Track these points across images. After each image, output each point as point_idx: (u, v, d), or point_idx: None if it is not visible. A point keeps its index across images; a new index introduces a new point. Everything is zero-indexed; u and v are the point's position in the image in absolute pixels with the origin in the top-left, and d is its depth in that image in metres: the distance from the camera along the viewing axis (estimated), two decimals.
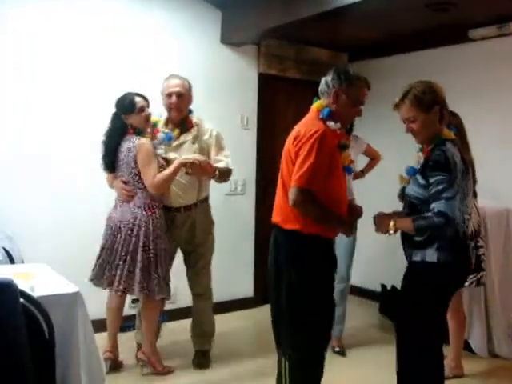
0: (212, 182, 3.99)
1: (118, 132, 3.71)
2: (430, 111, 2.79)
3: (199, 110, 4.11)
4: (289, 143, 2.87)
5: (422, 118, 2.80)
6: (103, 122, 4.46)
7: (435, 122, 2.81)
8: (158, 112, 3.97)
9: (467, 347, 4.28)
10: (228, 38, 5.21)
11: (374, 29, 5.07)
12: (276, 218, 2.92)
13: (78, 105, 4.49)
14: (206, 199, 4.07)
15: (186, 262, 4.09)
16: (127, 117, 3.70)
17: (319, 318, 2.82)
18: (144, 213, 3.67)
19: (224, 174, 3.91)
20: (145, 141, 3.67)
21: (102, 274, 3.73)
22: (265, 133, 5.65)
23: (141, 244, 3.63)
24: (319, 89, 2.90)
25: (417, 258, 2.84)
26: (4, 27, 4.17)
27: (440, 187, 2.66)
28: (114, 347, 3.90)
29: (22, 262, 3.58)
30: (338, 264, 4.52)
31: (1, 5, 4.13)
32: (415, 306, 2.85)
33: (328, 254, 2.92)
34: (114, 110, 3.86)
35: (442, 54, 5.20)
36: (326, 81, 2.86)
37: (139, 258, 3.63)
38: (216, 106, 4.88)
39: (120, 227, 3.68)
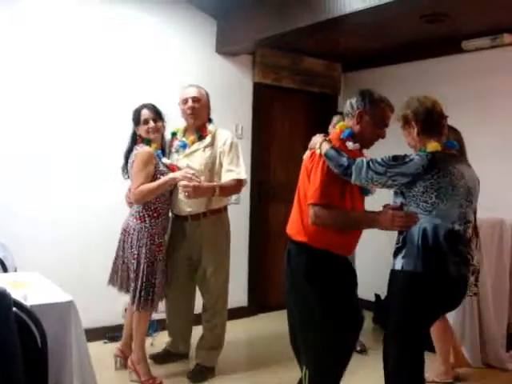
0: None
1: (130, 140, 3.86)
2: (409, 125, 2.84)
3: None
4: (306, 159, 2.95)
5: (406, 132, 2.89)
6: (101, 131, 4.54)
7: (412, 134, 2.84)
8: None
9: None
10: (223, 48, 5.22)
11: (368, 39, 5.10)
12: (289, 229, 3.00)
13: (78, 112, 4.51)
14: (220, 210, 3.96)
15: (197, 272, 4.02)
16: (136, 127, 3.83)
17: (330, 333, 2.82)
18: (135, 220, 3.75)
19: (228, 190, 3.85)
20: (143, 150, 3.74)
21: (115, 277, 3.88)
22: (260, 142, 5.66)
23: (130, 251, 3.74)
24: (344, 110, 2.99)
25: (392, 266, 2.85)
26: (13, 33, 4.21)
27: (379, 158, 2.73)
28: (123, 345, 4.06)
29: (15, 270, 3.57)
30: None
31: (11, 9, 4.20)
32: (389, 315, 2.87)
33: (341, 270, 2.91)
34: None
35: (436, 65, 5.23)
36: (351, 102, 2.94)
37: (130, 266, 3.74)
38: (211, 115, 4.90)
39: (122, 233, 3.82)
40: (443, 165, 2.71)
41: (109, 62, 4.65)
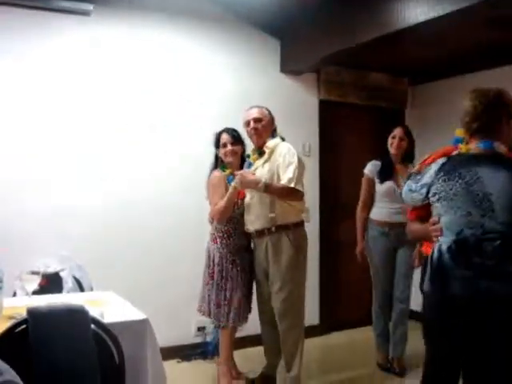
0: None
1: (212, 162, 4.10)
2: None
3: None
4: None
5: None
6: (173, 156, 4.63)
7: None
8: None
9: None
10: (287, 67, 5.27)
11: (433, 51, 4.99)
12: None
13: (145, 138, 4.67)
14: (288, 226, 3.82)
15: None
16: (216, 150, 4.06)
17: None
18: (211, 243, 4.00)
19: (275, 190, 3.73)
20: (212, 175, 3.98)
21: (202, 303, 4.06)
22: (327, 159, 5.64)
23: (207, 271, 3.97)
24: None
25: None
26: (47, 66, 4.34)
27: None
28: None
29: (91, 289, 3.68)
30: (397, 284, 4.45)
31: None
32: None
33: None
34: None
35: (507, 73, 5.08)
36: None
37: (210, 285, 3.94)
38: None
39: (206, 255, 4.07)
40: (453, 168, 2.50)
41: (172, 86, 4.77)
